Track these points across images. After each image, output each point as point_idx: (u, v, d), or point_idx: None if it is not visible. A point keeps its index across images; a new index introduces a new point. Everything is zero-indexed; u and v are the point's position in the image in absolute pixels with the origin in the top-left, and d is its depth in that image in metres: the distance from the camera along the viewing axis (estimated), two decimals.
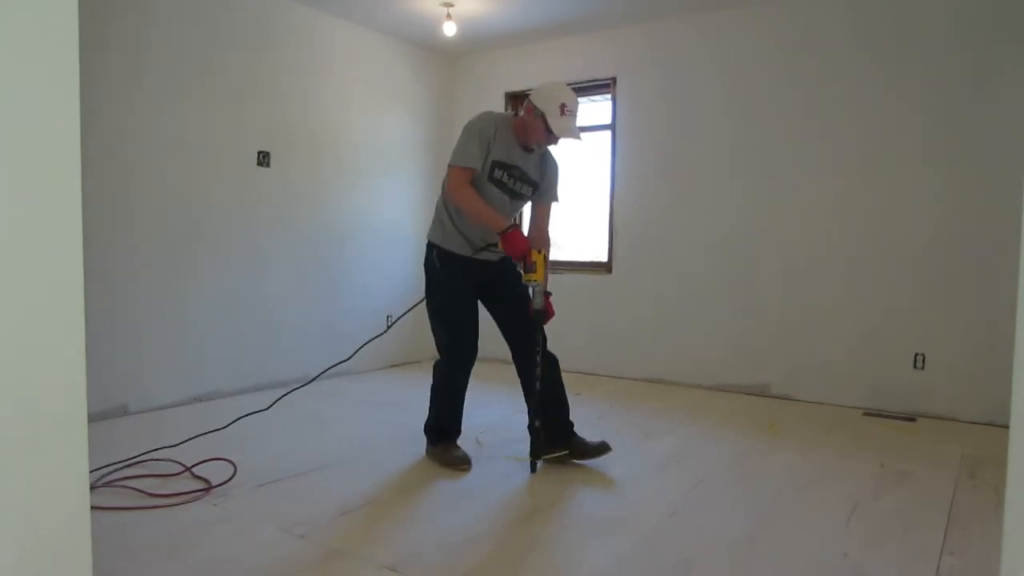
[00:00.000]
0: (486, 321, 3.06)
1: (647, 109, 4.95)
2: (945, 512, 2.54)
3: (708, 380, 4.73)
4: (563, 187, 3.13)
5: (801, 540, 2.29)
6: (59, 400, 1.20)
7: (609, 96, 5.14)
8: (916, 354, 4.06)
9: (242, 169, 4.33)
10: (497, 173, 2.84)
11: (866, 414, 4.07)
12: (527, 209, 3.19)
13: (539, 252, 2.77)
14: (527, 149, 2.90)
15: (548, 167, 3.03)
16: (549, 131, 2.78)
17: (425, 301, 3.04)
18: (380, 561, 2.08)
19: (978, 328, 3.88)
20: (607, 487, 2.81)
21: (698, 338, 4.76)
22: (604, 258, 5.21)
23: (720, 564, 2.11)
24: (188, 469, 2.83)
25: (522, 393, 3.02)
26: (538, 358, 2.87)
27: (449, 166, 2.82)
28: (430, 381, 3.09)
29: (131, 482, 2.68)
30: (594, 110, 5.26)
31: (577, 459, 2.99)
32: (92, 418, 3.26)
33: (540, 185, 3.00)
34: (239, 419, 3.15)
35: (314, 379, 3.37)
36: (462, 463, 2.96)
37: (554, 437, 2.97)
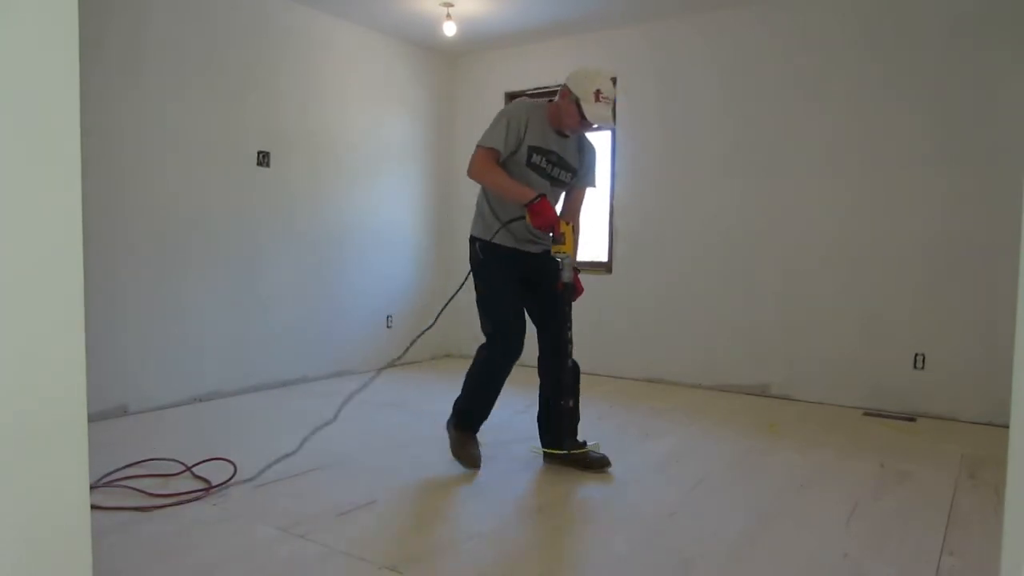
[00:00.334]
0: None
1: (647, 109, 4.95)
2: (945, 512, 2.54)
3: (708, 380, 4.73)
4: (600, 174, 3.09)
5: (801, 540, 2.29)
6: (59, 400, 1.20)
7: None
8: (916, 354, 4.06)
9: (242, 169, 4.33)
10: (535, 158, 2.81)
11: (866, 414, 4.07)
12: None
13: (567, 224, 2.72)
14: (562, 135, 2.87)
15: (586, 152, 3.00)
16: (583, 116, 2.73)
17: (475, 297, 2.96)
18: (380, 561, 2.08)
19: (978, 328, 3.88)
20: (607, 486, 2.81)
21: (698, 338, 4.76)
22: (604, 258, 5.21)
23: (720, 564, 2.11)
24: (188, 469, 2.83)
25: (537, 390, 3.03)
26: (569, 346, 2.87)
27: (476, 147, 2.79)
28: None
29: (131, 482, 2.68)
30: None
31: (580, 469, 2.97)
32: (92, 418, 3.27)
33: (579, 171, 2.97)
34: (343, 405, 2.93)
35: (373, 378, 3.03)
36: (471, 462, 2.93)
37: (559, 439, 2.96)
